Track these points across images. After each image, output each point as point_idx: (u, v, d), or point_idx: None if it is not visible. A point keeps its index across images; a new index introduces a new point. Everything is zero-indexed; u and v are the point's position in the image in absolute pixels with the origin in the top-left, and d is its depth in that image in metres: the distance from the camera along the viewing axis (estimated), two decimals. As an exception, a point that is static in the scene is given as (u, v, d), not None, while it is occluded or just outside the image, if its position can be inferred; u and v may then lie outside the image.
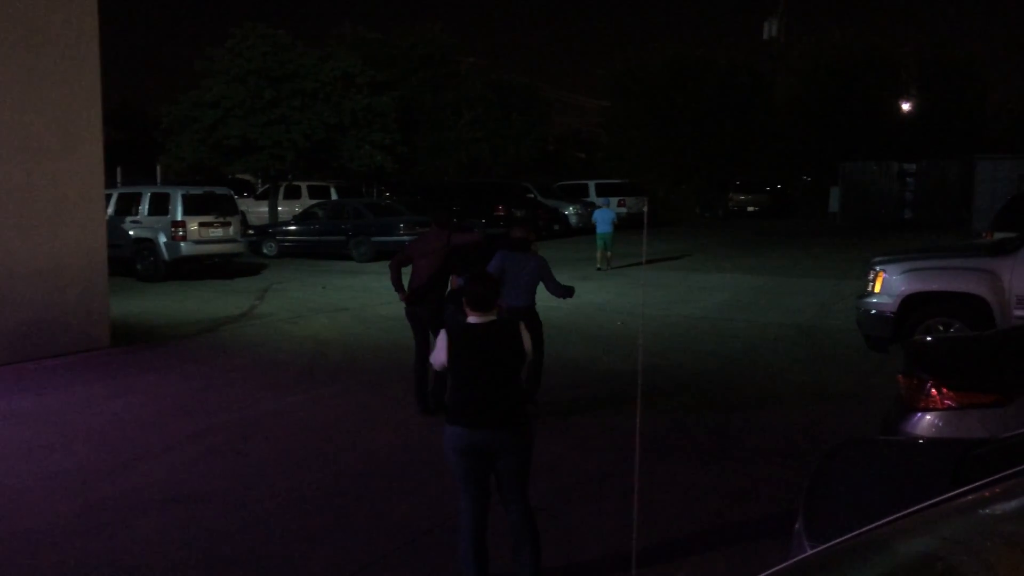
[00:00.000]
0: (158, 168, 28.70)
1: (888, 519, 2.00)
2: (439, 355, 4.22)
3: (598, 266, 18.26)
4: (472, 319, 4.22)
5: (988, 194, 23.10)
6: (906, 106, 40.86)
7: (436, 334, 7.22)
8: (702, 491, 5.65)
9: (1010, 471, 2.43)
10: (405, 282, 7.44)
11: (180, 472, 6.11)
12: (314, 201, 25.63)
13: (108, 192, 15.69)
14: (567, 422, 7.22)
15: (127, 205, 17.59)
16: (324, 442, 6.78)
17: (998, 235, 11.90)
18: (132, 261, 17.25)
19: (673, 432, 6.90)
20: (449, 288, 7.44)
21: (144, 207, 17.34)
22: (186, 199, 17.14)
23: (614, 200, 23.79)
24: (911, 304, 8.65)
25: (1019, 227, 10.57)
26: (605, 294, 14.67)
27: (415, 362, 7.44)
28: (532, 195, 27.36)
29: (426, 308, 7.36)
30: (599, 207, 19.77)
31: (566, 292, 7.29)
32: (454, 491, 5.09)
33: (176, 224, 16.91)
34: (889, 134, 37.99)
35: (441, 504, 5.38)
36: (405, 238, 20.86)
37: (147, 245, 17.14)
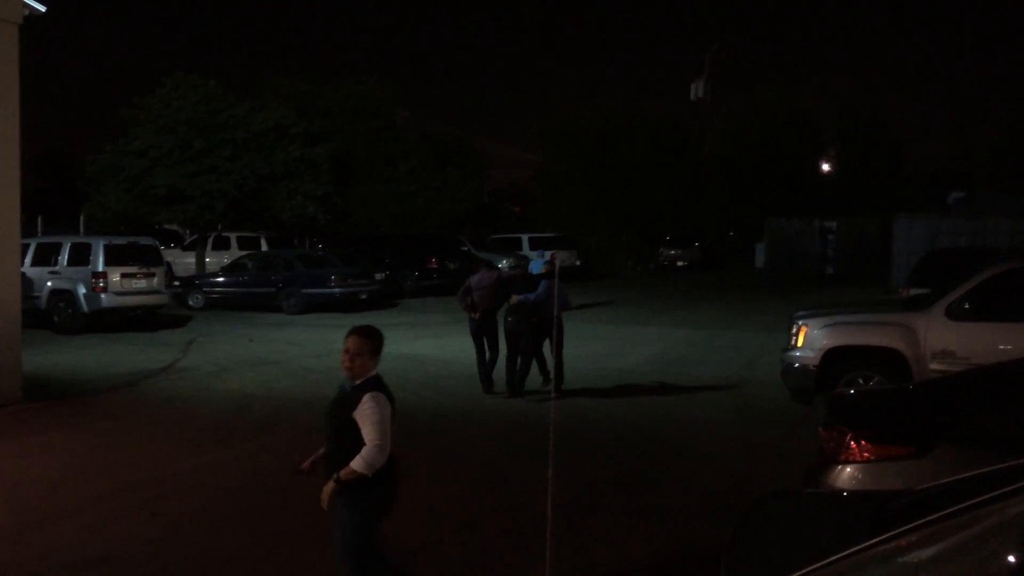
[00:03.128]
0: (81, 218, 27.96)
1: (804, 571, 2.00)
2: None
3: None
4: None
5: (905, 251, 23.94)
6: (826, 166, 42.52)
7: (493, 340, 10.71)
8: (631, 545, 5.62)
9: (924, 520, 2.48)
10: None
11: (91, 534, 5.83)
12: (244, 252, 25.22)
13: (26, 242, 15.19)
14: (494, 477, 7.14)
15: (46, 255, 17.03)
16: (245, 501, 6.56)
17: (914, 291, 12.33)
18: (49, 313, 16.68)
19: (603, 485, 6.88)
20: (507, 304, 10.57)
21: (63, 257, 16.82)
22: (108, 249, 16.69)
23: (548, 253, 24.20)
24: (832, 357, 8.86)
25: (933, 283, 10.97)
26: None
27: (478, 357, 10.77)
28: (466, 248, 27.43)
29: (486, 323, 10.72)
30: (536, 259, 20.82)
31: (568, 306, 11.87)
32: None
33: (97, 275, 16.42)
34: (811, 192, 39.38)
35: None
36: (336, 290, 20.66)
37: (65, 296, 16.59)
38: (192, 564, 5.33)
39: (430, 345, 14.79)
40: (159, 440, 8.38)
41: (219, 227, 28.09)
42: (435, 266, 25.23)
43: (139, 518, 6.14)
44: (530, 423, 9.00)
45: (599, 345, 14.84)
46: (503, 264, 28.40)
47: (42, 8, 10.30)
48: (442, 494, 6.63)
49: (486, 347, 10.77)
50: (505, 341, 10.60)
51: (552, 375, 10.12)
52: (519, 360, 10.46)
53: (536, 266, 19.51)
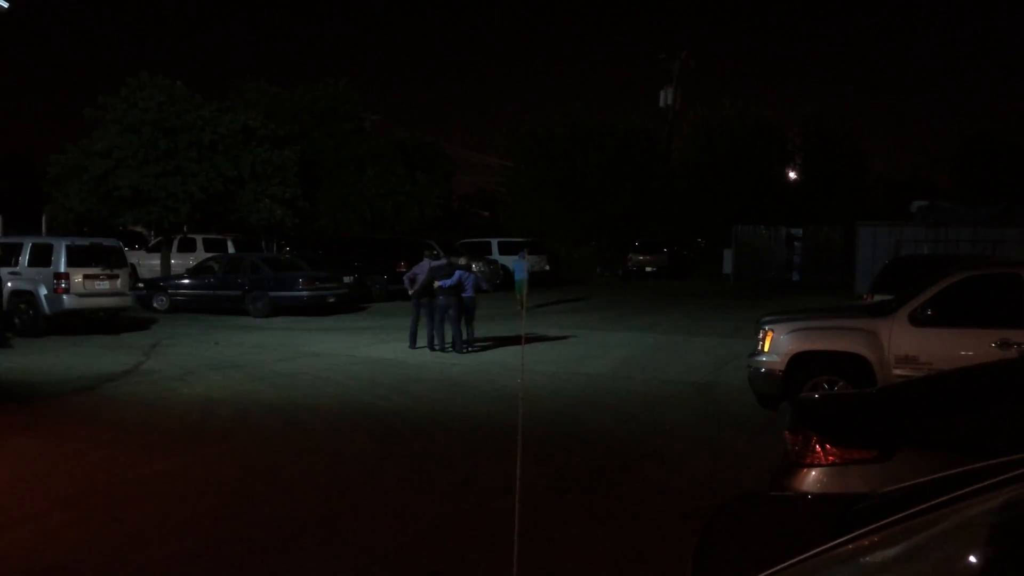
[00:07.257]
0: (43, 219, 27.47)
1: (769, 572, 2.01)
2: None
3: (516, 307, 19.81)
4: None
5: (868, 258, 24.29)
6: (792, 174, 43.04)
7: (428, 310, 14.58)
8: (599, 547, 5.62)
9: (886, 521, 2.50)
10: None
11: (48, 541, 5.70)
12: (210, 255, 24.95)
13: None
14: (462, 481, 7.11)
15: (6, 256, 16.71)
16: (209, 506, 6.46)
17: (877, 297, 12.51)
18: (9, 315, 16.34)
19: (570, 490, 6.87)
20: (435, 286, 14.27)
21: (24, 258, 16.51)
22: (70, 250, 16.41)
23: (523, 252, 24.56)
24: (798, 362, 8.93)
25: (896, 289, 11.13)
26: (507, 352, 14.68)
27: (412, 320, 14.95)
28: (435, 252, 27.32)
29: (424, 298, 14.61)
30: (517, 260, 22.27)
31: (480, 288, 15.10)
32: (347, 559, 4.94)
33: (59, 276, 16.15)
34: (778, 200, 39.84)
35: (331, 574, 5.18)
36: (304, 293, 20.52)
37: (26, 298, 16.28)
38: (154, 571, 5.24)
39: (399, 349, 14.72)
40: (120, 445, 8.24)
41: (185, 229, 27.76)
42: (404, 270, 25.10)
43: (99, 524, 6.02)
44: (498, 427, 8.98)
45: (568, 349, 14.86)
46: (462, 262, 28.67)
47: (5, 4, 10.12)
48: (410, 496, 6.59)
49: (422, 317, 14.77)
50: (435, 313, 14.36)
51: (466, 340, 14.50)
52: (451, 327, 14.27)
53: (519, 267, 20.46)
